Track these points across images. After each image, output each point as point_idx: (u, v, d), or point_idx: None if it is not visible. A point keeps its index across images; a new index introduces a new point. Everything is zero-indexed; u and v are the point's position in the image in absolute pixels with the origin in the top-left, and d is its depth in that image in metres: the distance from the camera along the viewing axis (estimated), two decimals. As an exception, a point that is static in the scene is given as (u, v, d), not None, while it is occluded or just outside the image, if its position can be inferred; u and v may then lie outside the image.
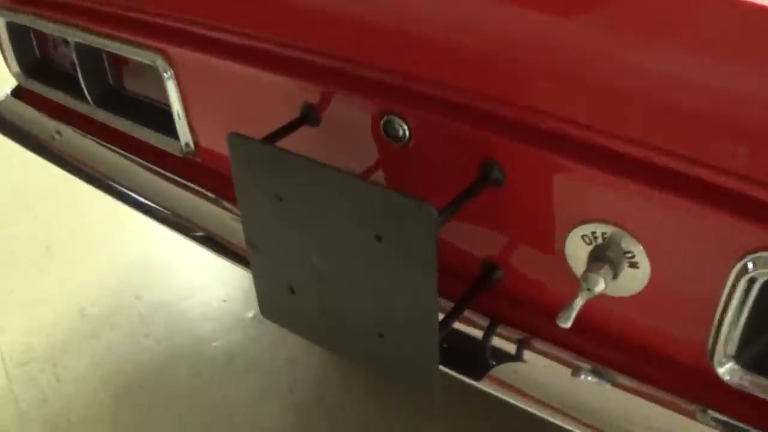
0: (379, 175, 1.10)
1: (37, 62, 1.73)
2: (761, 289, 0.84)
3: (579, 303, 0.90)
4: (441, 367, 1.05)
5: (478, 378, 1.08)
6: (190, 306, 2.20)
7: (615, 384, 1.02)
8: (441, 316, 0.99)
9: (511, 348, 1.08)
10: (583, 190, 0.91)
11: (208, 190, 1.42)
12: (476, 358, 1.09)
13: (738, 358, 0.90)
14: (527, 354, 1.08)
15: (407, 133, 1.02)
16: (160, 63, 1.29)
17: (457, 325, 1.09)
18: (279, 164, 0.97)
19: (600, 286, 0.89)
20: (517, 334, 1.08)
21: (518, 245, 1.03)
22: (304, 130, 1.12)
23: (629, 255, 0.90)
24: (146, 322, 2.17)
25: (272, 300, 1.13)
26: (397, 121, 1.01)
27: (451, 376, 1.09)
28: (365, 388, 1.92)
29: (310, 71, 1.10)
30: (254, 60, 1.15)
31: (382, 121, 1.03)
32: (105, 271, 2.39)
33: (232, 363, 2.03)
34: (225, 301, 2.19)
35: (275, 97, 1.16)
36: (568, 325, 0.91)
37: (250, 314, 2.14)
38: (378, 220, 0.90)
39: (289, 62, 1.12)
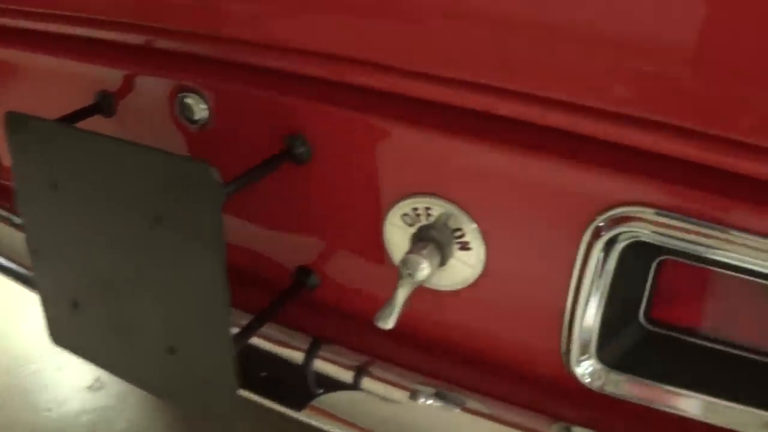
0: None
1: None
2: (620, 260, 0.71)
3: (401, 296, 0.74)
4: (261, 398, 0.90)
5: (298, 408, 0.90)
6: (24, 375, 1.95)
7: (462, 407, 0.86)
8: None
9: (339, 372, 0.90)
10: (400, 157, 0.77)
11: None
12: (297, 386, 0.91)
13: (600, 354, 0.77)
14: (358, 378, 0.90)
15: (205, 112, 0.87)
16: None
17: (278, 350, 0.92)
18: (53, 142, 0.80)
19: (423, 271, 0.74)
20: (343, 356, 0.91)
21: (332, 239, 0.87)
22: (102, 122, 0.96)
23: (458, 233, 0.76)
24: (-25, 391, 1.90)
25: (58, 319, 0.93)
26: (193, 98, 0.86)
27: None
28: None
29: (94, 49, 0.95)
30: (35, 43, 0.99)
31: (177, 102, 0.88)
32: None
33: (64, 434, 1.78)
34: (60, 369, 1.96)
35: (65, 85, 1.00)
36: (389, 325, 0.75)
37: (87, 383, 1.91)
38: (158, 195, 0.73)
39: (71, 42, 0.97)
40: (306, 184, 0.83)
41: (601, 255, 0.71)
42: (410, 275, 0.74)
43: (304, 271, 0.90)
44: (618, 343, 0.78)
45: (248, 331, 0.82)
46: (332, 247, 0.87)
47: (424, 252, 0.74)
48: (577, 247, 0.72)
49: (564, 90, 0.65)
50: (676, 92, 0.61)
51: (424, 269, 0.73)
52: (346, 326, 0.92)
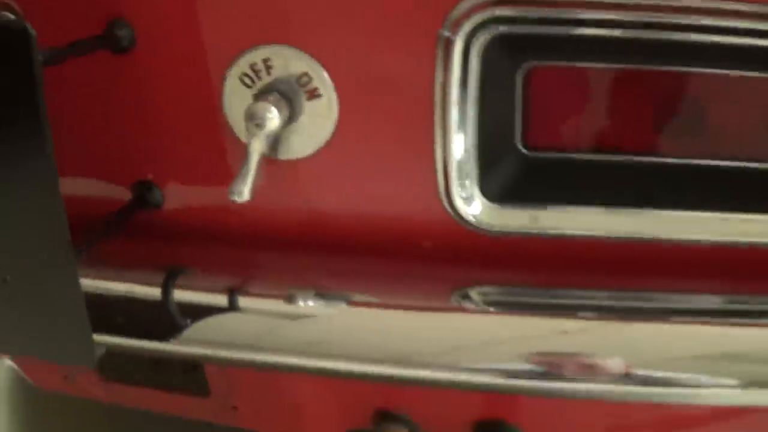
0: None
1: None
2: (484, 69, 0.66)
3: (254, 155, 0.65)
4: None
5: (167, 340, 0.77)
6: None
7: (349, 302, 0.76)
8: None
9: (205, 299, 0.78)
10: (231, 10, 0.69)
11: None
12: (162, 322, 0.78)
13: (485, 189, 0.71)
14: (228, 300, 0.77)
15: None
16: None
17: (129, 288, 0.79)
18: None
19: (273, 120, 0.65)
20: (206, 280, 0.79)
21: (167, 139, 0.76)
22: None
23: (305, 80, 0.68)
24: None
25: None
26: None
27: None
28: None
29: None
30: None
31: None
32: None
33: None
34: None
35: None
36: (245, 196, 0.64)
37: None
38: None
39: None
40: (130, 75, 0.73)
41: (461, 62, 0.65)
42: (258, 126, 0.65)
43: (143, 186, 0.79)
44: (501, 174, 0.72)
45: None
46: (168, 148, 0.76)
47: (270, 98, 0.66)
48: (433, 61, 0.65)
49: None
50: None
51: (272, 117, 0.65)
52: (204, 245, 0.81)
